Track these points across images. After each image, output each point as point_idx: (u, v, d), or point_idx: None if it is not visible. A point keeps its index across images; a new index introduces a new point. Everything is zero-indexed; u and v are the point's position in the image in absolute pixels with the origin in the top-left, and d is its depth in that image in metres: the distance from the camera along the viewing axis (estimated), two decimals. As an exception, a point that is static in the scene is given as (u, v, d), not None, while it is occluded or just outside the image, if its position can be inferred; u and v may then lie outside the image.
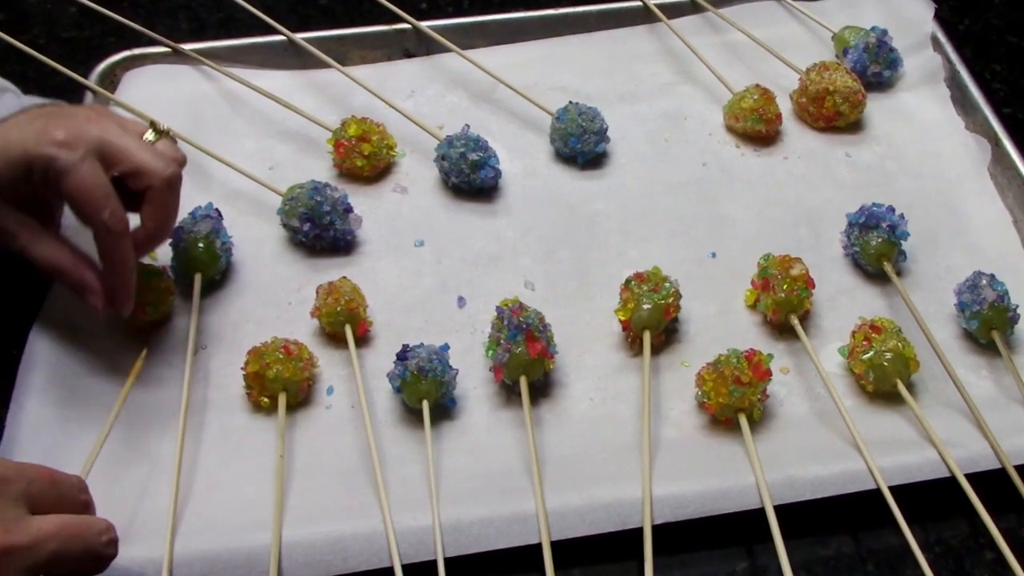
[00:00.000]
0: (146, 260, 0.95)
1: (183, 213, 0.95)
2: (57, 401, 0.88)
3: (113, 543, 0.72)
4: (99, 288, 0.87)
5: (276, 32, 1.18)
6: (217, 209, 1.00)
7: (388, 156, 1.10)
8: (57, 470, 0.72)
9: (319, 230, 1.01)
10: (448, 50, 1.18)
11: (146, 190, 0.87)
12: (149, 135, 0.88)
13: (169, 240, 0.95)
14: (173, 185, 0.88)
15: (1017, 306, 0.95)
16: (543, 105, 1.13)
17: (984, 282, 0.94)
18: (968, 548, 0.84)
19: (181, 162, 0.90)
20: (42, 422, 0.86)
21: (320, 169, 1.09)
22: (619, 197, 1.09)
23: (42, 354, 0.90)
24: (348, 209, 1.02)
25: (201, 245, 0.97)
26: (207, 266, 0.97)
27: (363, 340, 0.95)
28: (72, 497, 0.72)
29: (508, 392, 0.92)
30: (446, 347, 0.90)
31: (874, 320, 0.92)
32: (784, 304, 0.94)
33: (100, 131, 0.83)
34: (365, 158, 1.07)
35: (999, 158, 1.11)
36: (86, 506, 0.74)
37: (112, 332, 0.94)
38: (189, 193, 0.97)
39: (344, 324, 0.93)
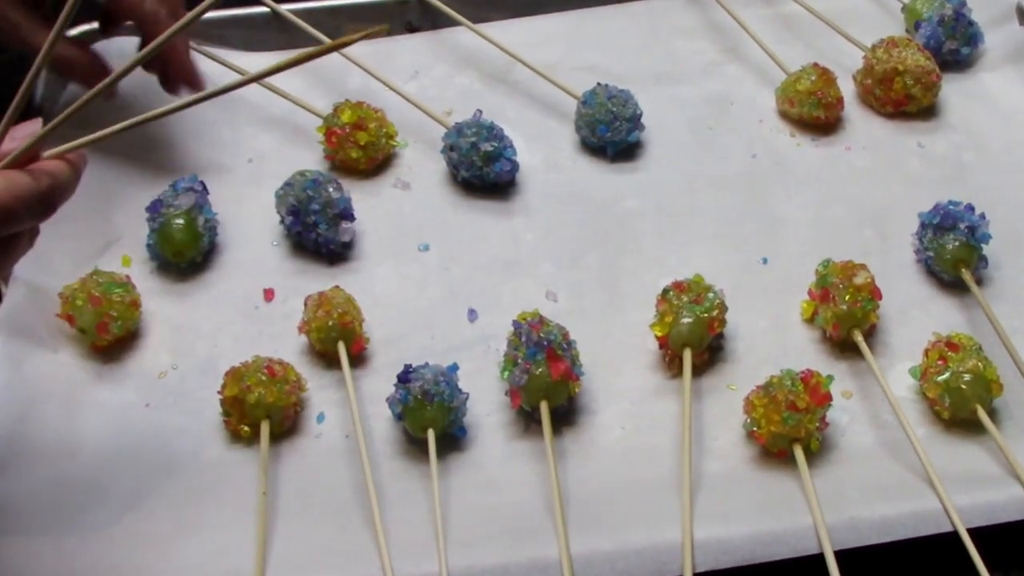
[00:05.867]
0: (116, 267, 0.96)
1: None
2: (2, 431, 0.89)
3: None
4: (110, 71, 0.97)
5: (257, 3, 1.19)
6: (202, 182, 1.03)
7: (388, 147, 1.10)
8: None
9: (301, 228, 1.02)
10: (457, 24, 1.19)
11: None
12: None
13: (146, 216, 0.98)
14: None
15: (1118, 320, 0.95)
16: (567, 87, 1.13)
17: (1079, 292, 0.95)
18: (1060, 600, 0.84)
19: None
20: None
21: (309, 162, 1.10)
22: (655, 194, 1.10)
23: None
24: (344, 215, 1.02)
25: (180, 221, 0.99)
26: (186, 246, 1.00)
27: (359, 359, 0.96)
28: None
29: (527, 419, 0.92)
30: (455, 368, 0.91)
31: (951, 336, 0.92)
32: (846, 318, 0.94)
33: None
34: (361, 149, 1.08)
35: (1096, 149, 1.12)
36: None
37: (70, 351, 0.95)
38: (171, 163, 0.97)
39: (337, 341, 0.94)
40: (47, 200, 0.72)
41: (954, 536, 0.82)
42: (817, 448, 0.89)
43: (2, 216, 0.71)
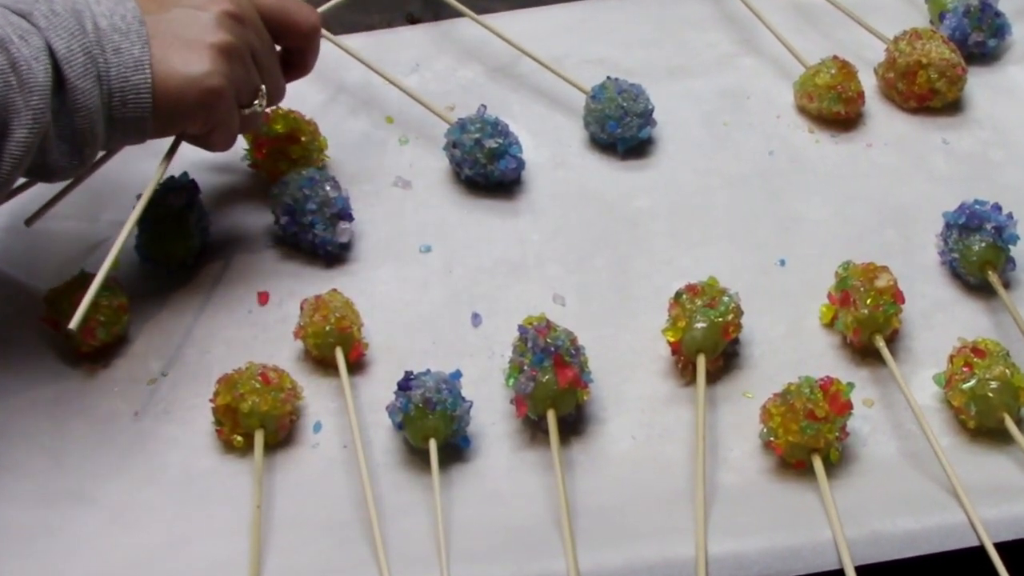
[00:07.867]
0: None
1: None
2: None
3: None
4: None
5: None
6: (194, 180, 1.03)
7: (318, 160, 1.09)
8: None
9: (297, 228, 1.02)
10: (461, 15, 1.19)
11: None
12: None
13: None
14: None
15: None
16: (576, 81, 1.13)
17: (1111, 296, 0.95)
18: (1092, 619, 0.84)
19: None
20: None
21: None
22: (667, 193, 1.10)
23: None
24: (342, 215, 1.02)
25: (171, 221, 1.00)
26: (177, 247, 1.01)
27: (357, 366, 0.96)
28: None
29: (533, 429, 0.92)
30: (458, 375, 0.91)
31: (977, 342, 0.92)
32: (868, 322, 0.94)
33: None
34: (292, 162, 1.06)
35: None
36: None
37: (53, 358, 0.95)
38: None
39: (334, 347, 0.94)
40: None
41: (980, 551, 0.82)
42: (837, 459, 0.88)
43: None
